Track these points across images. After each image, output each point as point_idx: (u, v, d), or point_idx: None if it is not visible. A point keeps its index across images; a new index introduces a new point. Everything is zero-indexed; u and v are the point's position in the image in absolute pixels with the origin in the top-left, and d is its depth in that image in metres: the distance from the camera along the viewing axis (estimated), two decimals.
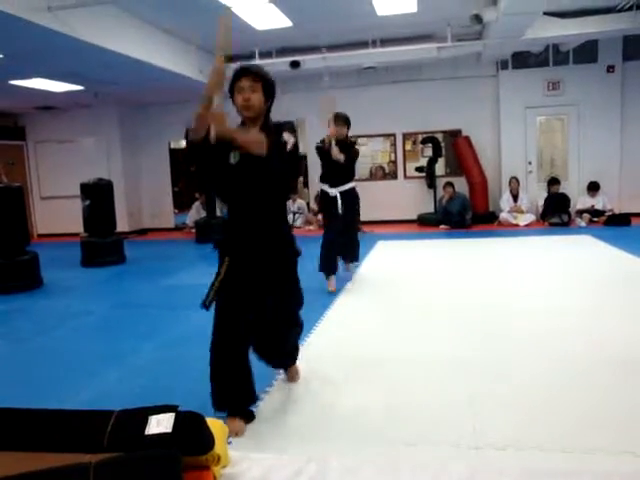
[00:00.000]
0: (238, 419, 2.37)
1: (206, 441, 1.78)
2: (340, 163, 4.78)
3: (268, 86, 2.41)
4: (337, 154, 4.70)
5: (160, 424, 1.73)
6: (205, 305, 2.38)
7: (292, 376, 2.87)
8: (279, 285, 2.51)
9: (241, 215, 2.44)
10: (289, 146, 2.39)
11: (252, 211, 2.42)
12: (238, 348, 2.43)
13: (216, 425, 1.94)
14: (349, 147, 4.99)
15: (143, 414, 1.78)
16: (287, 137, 2.40)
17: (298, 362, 2.88)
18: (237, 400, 2.41)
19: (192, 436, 1.75)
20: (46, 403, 2.21)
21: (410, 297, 4.64)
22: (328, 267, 4.96)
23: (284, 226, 2.58)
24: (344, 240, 5.17)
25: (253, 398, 2.49)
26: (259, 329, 2.51)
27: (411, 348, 3.32)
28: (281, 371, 2.91)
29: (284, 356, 2.77)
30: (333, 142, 4.70)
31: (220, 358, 2.41)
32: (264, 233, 2.43)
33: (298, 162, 2.61)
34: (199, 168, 2.48)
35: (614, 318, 3.73)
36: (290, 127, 2.48)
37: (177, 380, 2.99)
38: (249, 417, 2.44)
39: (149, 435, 1.70)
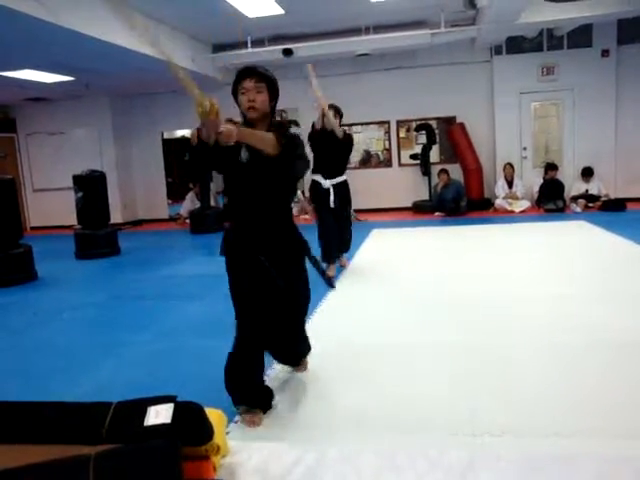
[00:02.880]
0: (257, 411, 2.39)
1: (205, 431, 1.78)
2: (334, 149, 4.71)
3: (272, 86, 2.38)
4: (333, 122, 4.61)
5: (159, 415, 1.72)
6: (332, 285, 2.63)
7: (299, 369, 2.87)
8: (289, 275, 2.47)
9: (247, 210, 2.40)
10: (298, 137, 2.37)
11: (260, 207, 2.39)
12: (260, 345, 2.42)
13: (215, 415, 1.94)
14: (346, 141, 4.89)
15: (142, 405, 1.77)
16: (294, 130, 2.38)
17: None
18: (256, 395, 2.43)
19: (191, 426, 1.74)
20: (43, 396, 2.20)
21: (406, 285, 4.64)
22: (329, 255, 5.00)
23: (290, 222, 2.54)
24: (337, 232, 5.10)
25: (270, 391, 2.51)
26: (276, 321, 2.49)
27: (407, 336, 3.33)
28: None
29: (299, 349, 2.77)
30: (326, 108, 4.59)
31: (245, 355, 2.38)
32: (272, 229, 2.41)
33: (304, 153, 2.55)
34: (204, 165, 2.41)
35: (610, 303, 3.74)
36: (294, 122, 2.46)
37: (174, 370, 2.98)
38: (266, 408, 2.45)
39: (148, 426, 1.69)
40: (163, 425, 1.69)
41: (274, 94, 2.40)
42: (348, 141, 4.99)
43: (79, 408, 1.83)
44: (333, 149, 4.83)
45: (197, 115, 1.92)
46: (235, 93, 2.39)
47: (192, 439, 1.74)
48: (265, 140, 2.21)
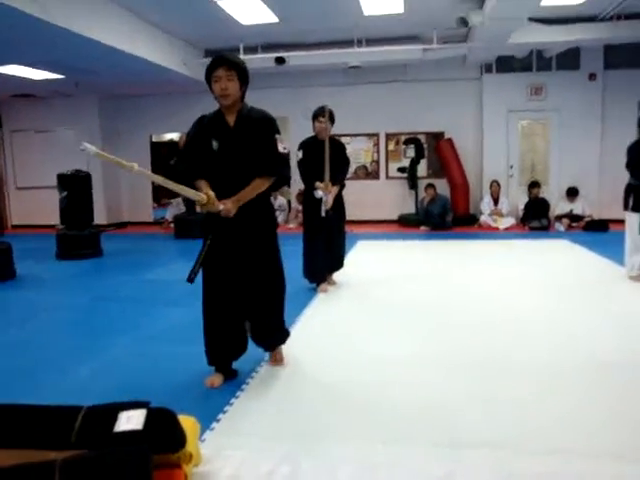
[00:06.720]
0: (218, 374, 2.76)
1: (178, 438, 1.73)
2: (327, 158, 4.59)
3: (242, 73, 2.59)
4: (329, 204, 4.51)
5: (130, 421, 1.67)
6: (190, 279, 2.58)
7: (276, 359, 2.98)
8: (259, 253, 2.72)
9: (222, 193, 2.58)
10: (282, 150, 2.66)
11: (232, 189, 2.59)
12: (223, 315, 2.70)
13: (188, 422, 1.89)
14: (338, 149, 4.69)
15: (113, 410, 1.72)
16: (282, 149, 2.67)
17: (284, 348, 3.04)
18: (220, 357, 2.77)
19: (163, 433, 1.70)
20: (13, 398, 2.14)
21: (390, 297, 4.63)
22: (316, 276, 4.74)
23: (264, 201, 2.74)
24: (328, 247, 4.79)
25: (234, 356, 2.80)
26: (245, 298, 2.73)
27: (390, 348, 3.31)
28: (258, 368, 2.91)
29: (272, 330, 2.89)
30: (330, 199, 4.47)
31: (208, 322, 2.74)
32: (244, 209, 2.60)
33: (288, 166, 2.77)
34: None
35: (589, 321, 3.77)
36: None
37: (151, 376, 2.92)
38: (230, 374, 2.80)
39: (119, 432, 1.65)
40: (134, 431, 1.64)
41: (244, 80, 2.62)
42: (340, 149, 4.76)
43: (47, 411, 1.77)
44: (325, 158, 4.68)
45: (199, 205, 2.51)
46: (209, 81, 2.61)
47: (164, 446, 1.69)
48: (260, 188, 2.61)
